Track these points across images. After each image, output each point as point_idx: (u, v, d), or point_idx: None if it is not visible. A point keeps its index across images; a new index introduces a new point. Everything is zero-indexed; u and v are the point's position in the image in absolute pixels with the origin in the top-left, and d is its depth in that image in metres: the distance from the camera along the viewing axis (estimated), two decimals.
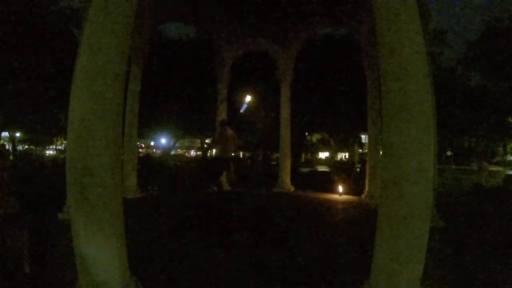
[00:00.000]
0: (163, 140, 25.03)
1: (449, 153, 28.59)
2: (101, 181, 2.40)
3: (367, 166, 8.33)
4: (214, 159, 7.63)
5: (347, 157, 34.33)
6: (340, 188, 9.36)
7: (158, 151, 30.62)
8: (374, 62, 7.60)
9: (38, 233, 4.15)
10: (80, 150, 2.40)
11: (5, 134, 20.41)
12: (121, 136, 2.73)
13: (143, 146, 37.06)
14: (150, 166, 11.92)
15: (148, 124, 16.62)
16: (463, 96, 18.10)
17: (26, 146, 27.93)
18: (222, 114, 9.71)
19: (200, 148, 25.97)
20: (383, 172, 2.64)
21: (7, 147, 17.70)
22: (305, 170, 17.47)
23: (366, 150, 11.14)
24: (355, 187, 9.64)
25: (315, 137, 29.19)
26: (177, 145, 26.84)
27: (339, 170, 11.65)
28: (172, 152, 27.84)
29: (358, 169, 14.87)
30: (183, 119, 17.65)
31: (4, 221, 3.39)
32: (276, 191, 9.45)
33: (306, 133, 22.68)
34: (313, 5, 8.40)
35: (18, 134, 21.91)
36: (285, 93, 9.71)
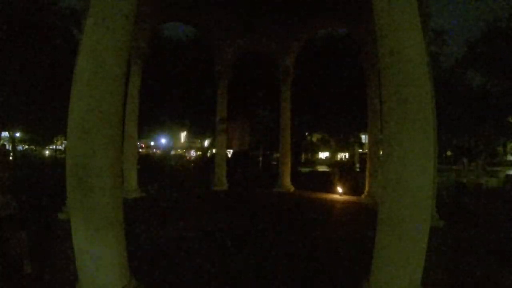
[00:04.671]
0: (163, 140, 25.03)
1: (449, 153, 28.58)
2: (101, 181, 2.39)
3: (367, 166, 8.34)
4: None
5: (347, 157, 34.29)
6: (340, 188, 9.36)
7: (158, 151, 30.60)
8: (374, 62, 7.61)
9: (38, 233, 4.16)
10: (80, 150, 2.40)
11: (5, 134, 20.38)
12: (121, 136, 2.73)
13: (143, 146, 37.02)
14: (150, 166, 11.93)
15: (148, 124, 16.61)
16: (463, 96, 18.09)
17: (26, 146, 27.91)
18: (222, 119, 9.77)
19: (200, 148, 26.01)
20: (384, 173, 2.64)
21: (7, 147, 17.68)
22: (305, 170, 17.49)
23: (366, 150, 11.14)
24: (355, 187, 9.65)
25: (315, 137, 29.16)
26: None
27: (339, 170, 11.66)
28: (172, 152, 27.85)
29: (358, 169, 14.89)
30: (183, 119, 17.65)
31: (4, 221, 3.39)
32: (276, 191, 9.46)
33: (306, 133, 22.66)
34: (313, 5, 8.40)
35: (18, 134, 21.87)
36: (285, 93, 9.72)
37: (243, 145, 6.85)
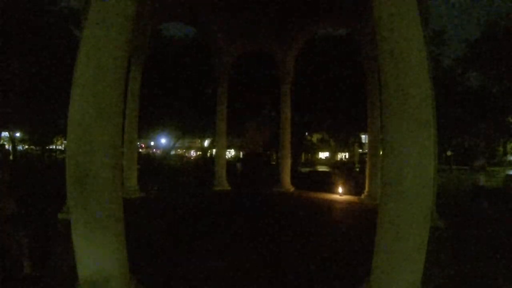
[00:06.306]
0: (163, 140, 25.03)
1: (449, 153, 28.56)
2: (101, 181, 2.39)
3: (367, 166, 8.34)
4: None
5: (347, 157, 34.29)
6: (340, 188, 9.37)
7: (158, 151, 30.59)
8: (374, 62, 7.61)
9: (38, 233, 4.15)
10: (80, 150, 2.40)
11: (5, 134, 20.40)
12: (121, 136, 2.73)
13: (143, 146, 37.00)
14: (150, 166, 11.92)
15: (148, 124, 16.61)
16: (463, 96, 18.08)
17: (26, 146, 27.90)
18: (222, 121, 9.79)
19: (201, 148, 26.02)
20: (383, 172, 2.64)
21: (7, 147, 17.67)
22: (305, 170, 17.49)
23: (366, 150, 11.15)
24: (355, 187, 9.65)
25: (315, 137, 29.17)
26: (177, 145, 26.83)
27: (339, 170, 11.67)
28: (172, 152, 27.85)
29: (358, 169, 14.88)
30: (183, 119, 17.65)
31: (4, 221, 3.39)
32: (276, 191, 9.46)
33: (306, 133, 22.65)
34: (314, 6, 8.40)
35: (18, 134, 21.88)
36: (285, 93, 9.72)
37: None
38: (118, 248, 2.50)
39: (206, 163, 16.12)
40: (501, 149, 29.06)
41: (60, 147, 30.48)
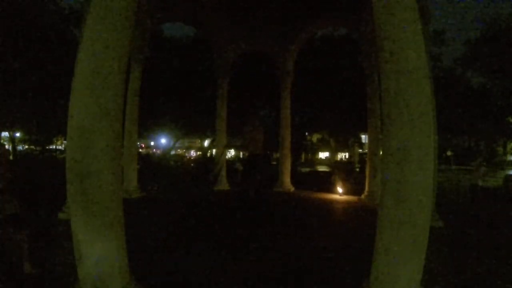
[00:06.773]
0: (163, 140, 25.05)
1: (449, 153, 28.55)
2: (101, 181, 2.39)
3: (367, 166, 8.34)
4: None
5: (347, 157, 34.29)
6: (340, 188, 9.37)
7: (158, 151, 30.59)
8: (374, 62, 7.61)
9: (38, 233, 4.16)
10: (80, 150, 2.40)
11: (5, 134, 20.41)
12: (121, 136, 2.73)
13: (143, 146, 36.97)
14: (150, 166, 11.92)
15: (148, 124, 16.61)
16: (463, 96, 18.10)
17: (26, 146, 27.87)
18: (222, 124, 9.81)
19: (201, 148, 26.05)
20: (383, 173, 2.64)
21: (7, 147, 17.66)
22: (305, 170, 17.49)
23: (366, 150, 11.15)
24: (355, 187, 9.65)
25: (315, 137, 29.18)
26: (177, 145, 26.84)
27: (339, 170, 11.66)
28: (172, 152, 27.85)
29: (358, 169, 14.88)
30: (183, 119, 17.65)
31: (4, 221, 3.39)
32: (276, 191, 9.46)
33: (306, 133, 22.67)
34: (314, 6, 8.40)
35: (18, 134, 21.87)
36: (285, 93, 9.72)
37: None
38: (118, 248, 2.50)
39: (206, 163, 16.11)
40: (501, 149, 29.05)
41: (60, 147, 30.44)
